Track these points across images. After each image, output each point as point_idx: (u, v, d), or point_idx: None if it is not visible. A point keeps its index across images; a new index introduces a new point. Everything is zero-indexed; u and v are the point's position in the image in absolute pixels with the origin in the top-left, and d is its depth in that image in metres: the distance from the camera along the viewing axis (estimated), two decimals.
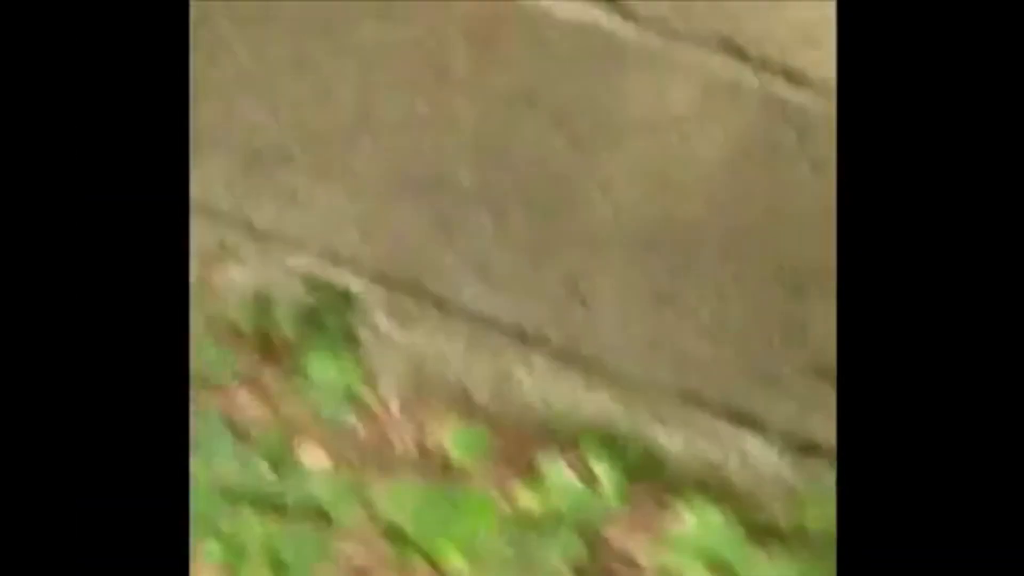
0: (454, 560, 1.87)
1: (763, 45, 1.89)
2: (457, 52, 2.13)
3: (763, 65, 1.90)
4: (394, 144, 2.12)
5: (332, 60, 2.01)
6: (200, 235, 1.79)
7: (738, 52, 1.90)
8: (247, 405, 2.00)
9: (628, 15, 1.92)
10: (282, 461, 1.93)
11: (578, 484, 1.95)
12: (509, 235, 2.05)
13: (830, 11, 1.68)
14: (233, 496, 1.97)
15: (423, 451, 2.05)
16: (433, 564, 1.90)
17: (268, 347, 2.06)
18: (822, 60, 1.89)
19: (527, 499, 1.93)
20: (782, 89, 1.89)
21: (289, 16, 2.02)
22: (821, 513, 1.85)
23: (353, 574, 1.95)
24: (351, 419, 2.07)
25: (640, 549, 1.90)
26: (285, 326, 2.05)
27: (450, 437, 2.00)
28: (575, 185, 1.99)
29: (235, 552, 1.92)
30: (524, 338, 2.04)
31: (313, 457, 1.96)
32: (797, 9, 1.88)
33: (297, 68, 2.02)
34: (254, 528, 1.97)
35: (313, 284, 2.05)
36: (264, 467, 1.92)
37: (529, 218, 2.04)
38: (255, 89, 2.16)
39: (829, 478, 1.82)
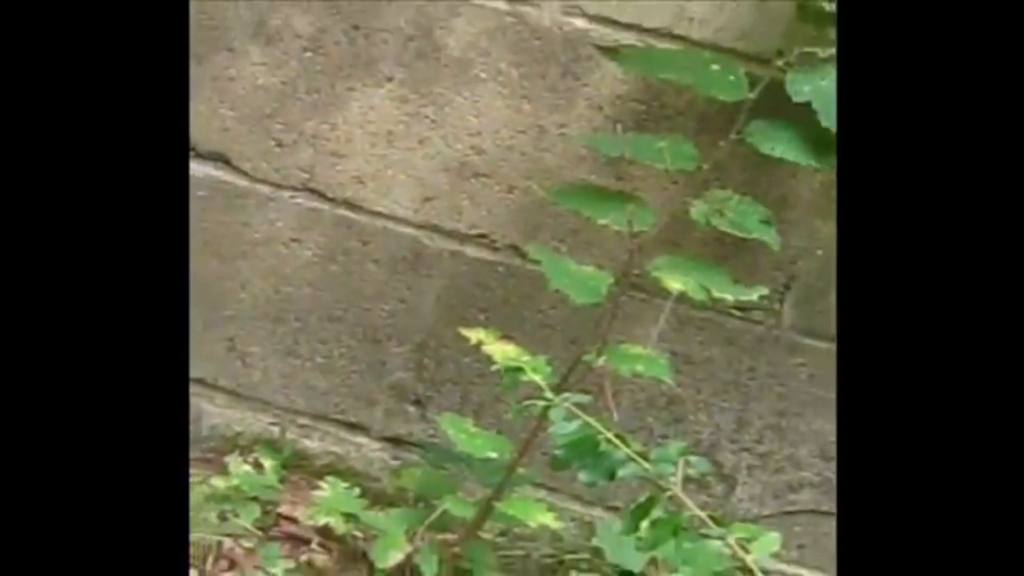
0: None
1: (332, 187, 1.99)
2: None
3: (334, 199, 2.00)
4: None
5: None
6: None
7: (316, 192, 2.00)
8: None
9: (242, 172, 2.01)
10: None
11: (254, 474, 2.03)
12: (192, 319, 1.95)
13: (375, 163, 1.96)
14: None
15: None
16: None
17: None
18: (369, 194, 2.00)
19: (223, 485, 2.00)
20: (348, 214, 2.00)
21: None
22: (411, 480, 1.97)
23: None
24: None
25: (298, 511, 1.98)
26: None
27: None
28: (225, 286, 2.07)
29: None
30: (205, 384, 2.11)
31: None
32: (352, 162, 1.98)
33: None
34: None
35: None
36: None
37: (203, 312, 2.07)
38: None
39: (412, 458, 2.04)
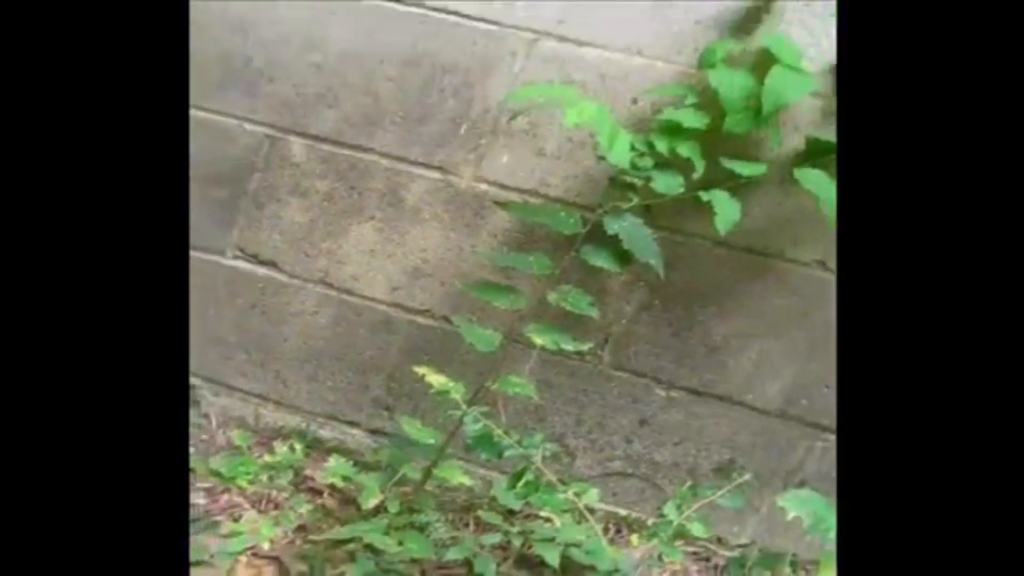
0: (243, 483, 2.00)
1: (338, 281, 2.02)
2: None
3: (339, 289, 2.04)
4: None
5: None
6: None
7: (329, 284, 2.04)
8: None
9: (285, 272, 2.09)
10: None
11: (290, 452, 2.12)
12: (253, 359, 2.16)
13: (364, 268, 2.01)
14: None
15: (229, 442, 2.10)
16: (235, 486, 1.96)
17: None
18: (360, 286, 2.05)
19: (271, 459, 2.09)
20: (347, 298, 2.09)
21: None
22: (384, 455, 2.04)
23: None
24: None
25: (317, 476, 2.07)
26: None
27: (237, 437, 2.12)
28: (273, 340, 2.16)
29: None
30: (262, 398, 2.16)
31: None
32: (350, 267, 2.08)
33: None
34: None
35: None
36: None
37: (260, 355, 2.14)
38: None
39: (384, 442, 2.09)
